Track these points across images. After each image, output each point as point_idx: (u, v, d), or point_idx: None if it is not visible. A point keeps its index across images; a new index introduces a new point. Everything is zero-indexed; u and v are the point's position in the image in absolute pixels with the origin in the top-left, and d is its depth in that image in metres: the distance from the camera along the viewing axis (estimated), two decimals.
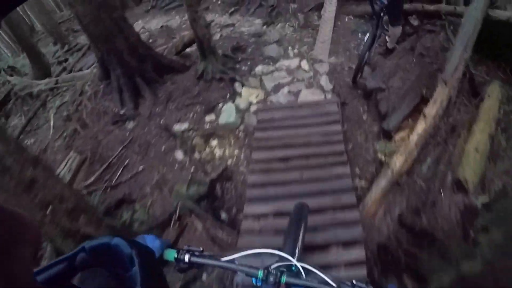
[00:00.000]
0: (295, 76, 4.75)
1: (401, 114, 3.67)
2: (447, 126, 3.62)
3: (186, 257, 0.84)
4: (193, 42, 5.47)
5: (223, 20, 7.52)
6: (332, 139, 3.37)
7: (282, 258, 0.91)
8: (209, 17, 8.17)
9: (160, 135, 4.47)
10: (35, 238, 0.31)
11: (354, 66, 4.19)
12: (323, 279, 0.81)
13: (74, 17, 5.18)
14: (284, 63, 5.04)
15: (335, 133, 3.42)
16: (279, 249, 0.92)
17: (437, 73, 3.82)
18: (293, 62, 5.00)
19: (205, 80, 4.87)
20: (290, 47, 5.36)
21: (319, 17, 6.04)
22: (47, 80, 7.28)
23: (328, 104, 3.96)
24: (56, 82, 6.88)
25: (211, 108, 4.52)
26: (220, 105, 4.60)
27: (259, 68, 5.09)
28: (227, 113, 4.30)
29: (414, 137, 3.29)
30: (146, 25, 9.69)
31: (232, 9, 7.77)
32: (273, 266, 0.85)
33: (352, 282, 0.79)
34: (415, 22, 5.06)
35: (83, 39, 10.95)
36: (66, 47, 10.70)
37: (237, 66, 5.03)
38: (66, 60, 10.04)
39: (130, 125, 4.75)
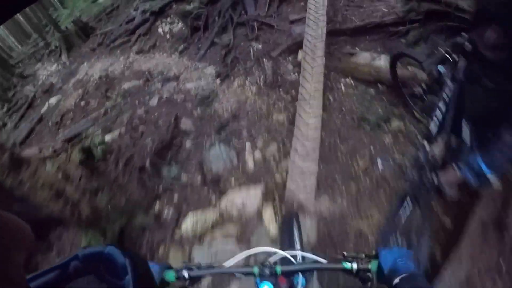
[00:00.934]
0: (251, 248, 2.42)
1: None
2: None
3: (186, 274, 0.84)
4: None
5: (168, 67, 5.44)
6: None
7: (275, 254, 0.92)
8: (154, 59, 6.12)
9: None
10: (29, 243, 0.30)
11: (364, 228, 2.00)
12: (315, 259, 0.85)
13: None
14: (234, 200, 2.67)
15: None
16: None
17: None
18: (249, 202, 2.56)
19: None
20: (247, 146, 3.19)
21: (294, 65, 3.84)
22: None
23: None
24: None
25: None
26: None
27: (186, 226, 2.69)
28: None
29: None
30: (90, 70, 7.84)
31: (182, 46, 5.68)
32: (267, 261, 0.87)
33: (343, 254, 0.81)
34: None
35: (28, 90, 9.23)
36: (5, 107, 8.91)
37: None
38: (4, 125, 8.28)
39: None
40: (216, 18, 5.21)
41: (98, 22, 10.16)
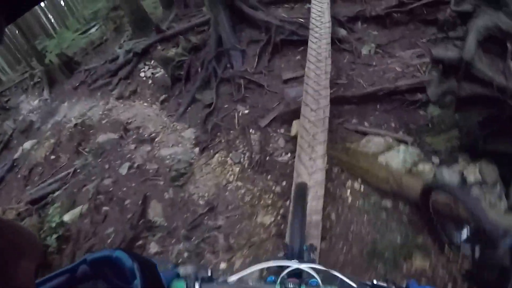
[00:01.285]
0: None
1: None
2: None
3: (196, 286, 0.77)
4: None
5: (146, 121, 4.83)
6: None
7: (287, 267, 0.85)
8: (134, 108, 5.52)
9: None
10: (38, 253, 0.31)
11: None
12: (342, 279, 0.77)
13: None
14: None
15: None
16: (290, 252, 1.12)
17: None
18: None
19: None
20: (222, 267, 2.45)
21: (287, 140, 3.17)
22: None
23: None
24: None
25: None
26: None
27: None
28: None
29: None
30: (69, 112, 7.28)
31: (163, 96, 5.09)
32: (284, 279, 0.80)
33: (373, 282, 0.76)
34: None
35: (8, 126, 8.65)
36: None
37: None
38: None
39: None
40: (199, 68, 4.62)
41: (85, 56, 9.69)
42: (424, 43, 3.71)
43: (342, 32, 4.22)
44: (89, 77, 7.95)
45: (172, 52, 5.40)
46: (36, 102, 9.07)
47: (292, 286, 0.77)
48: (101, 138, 5.49)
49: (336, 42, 3.94)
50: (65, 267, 0.45)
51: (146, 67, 6.28)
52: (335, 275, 0.79)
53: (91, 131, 5.88)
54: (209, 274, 0.82)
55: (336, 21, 4.25)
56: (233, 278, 0.83)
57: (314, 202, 2.32)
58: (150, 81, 5.89)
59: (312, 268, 0.81)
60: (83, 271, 0.46)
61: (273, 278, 0.82)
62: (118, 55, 7.19)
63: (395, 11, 4.18)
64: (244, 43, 4.31)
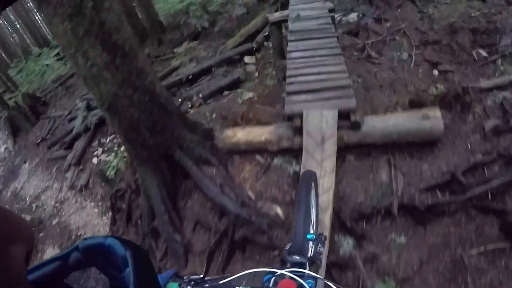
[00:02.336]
0: None
1: None
2: None
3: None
4: None
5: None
6: None
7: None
8: (84, 212, 4.67)
9: None
10: (28, 238, 0.32)
11: None
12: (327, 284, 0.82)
13: None
14: None
15: None
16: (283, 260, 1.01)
17: None
18: None
19: None
20: None
21: None
22: None
23: None
24: None
25: None
26: None
27: None
28: None
29: None
30: (26, 186, 6.58)
31: (111, 214, 4.18)
32: (272, 280, 0.86)
33: None
34: None
35: None
36: None
37: None
38: None
39: None
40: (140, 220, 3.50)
41: (54, 91, 8.64)
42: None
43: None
44: (51, 133, 7.02)
45: (112, 161, 4.32)
46: (2, 149, 8.27)
47: None
48: (49, 252, 4.71)
49: None
50: (57, 254, 0.45)
51: (100, 150, 5.26)
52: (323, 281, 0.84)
53: (40, 234, 5.07)
54: (201, 276, 0.82)
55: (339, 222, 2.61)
56: (223, 281, 0.85)
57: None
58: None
59: (294, 272, 0.86)
60: (75, 258, 0.45)
61: (269, 276, 0.85)
62: (73, 126, 6.14)
63: (444, 201, 2.57)
64: (189, 223, 3.08)
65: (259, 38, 5.69)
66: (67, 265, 0.44)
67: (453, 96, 3.02)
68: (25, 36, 15.28)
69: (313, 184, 1.52)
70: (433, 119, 2.55)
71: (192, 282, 0.80)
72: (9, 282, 0.27)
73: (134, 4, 7.20)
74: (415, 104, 3.03)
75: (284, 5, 6.19)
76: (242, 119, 3.03)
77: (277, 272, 0.86)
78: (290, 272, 0.85)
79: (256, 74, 5.21)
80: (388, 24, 4.90)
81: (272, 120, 3.00)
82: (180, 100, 5.22)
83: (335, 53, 3.56)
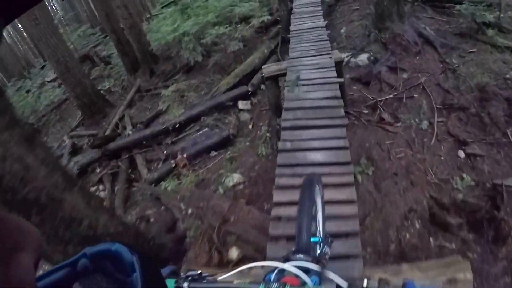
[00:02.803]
0: None
1: None
2: None
3: (185, 285, 0.78)
4: None
5: None
6: None
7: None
8: None
9: None
10: (37, 246, 0.31)
11: None
12: (332, 280, 0.79)
13: None
14: None
15: None
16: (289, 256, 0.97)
17: None
18: None
19: None
20: None
21: None
22: None
23: None
24: None
25: None
26: None
27: None
28: None
29: None
30: None
31: None
32: (272, 276, 0.85)
33: (362, 284, 0.75)
34: None
35: None
36: None
37: None
38: None
39: None
40: None
41: (45, 123, 8.25)
42: None
43: None
44: None
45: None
46: None
47: (276, 286, 0.76)
48: None
49: None
50: (65, 262, 0.45)
51: None
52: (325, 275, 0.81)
53: None
54: (198, 273, 0.82)
55: None
56: (220, 278, 0.85)
57: None
58: None
59: (299, 267, 0.84)
60: (83, 265, 0.45)
61: (271, 276, 0.83)
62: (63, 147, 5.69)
63: None
64: None
65: (255, 79, 5.05)
66: (76, 272, 0.45)
67: (487, 218, 2.33)
68: (27, 47, 15.08)
69: (317, 186, 1.45)
70: (461, 284, 1.86)
71: (190, 278, 0.79)
72: None
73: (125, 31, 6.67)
74: (437, 222, 2.35)
75: (285, 42, 5.53)
76: (219, 234, 2.42)
77: (278, 267, 0.85)
78: (294, 266, 0.84)
79: (251, 126, 4.59)
80: (404, 75, 4.19)
81: (259, 240, 2.36)
82: (164, 152, 4.68)
83: (343, 173, 2.31)
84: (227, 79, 5.21)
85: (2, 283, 0.26)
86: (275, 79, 3.81)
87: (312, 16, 5.23)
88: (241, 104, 4.93)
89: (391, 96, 3.99)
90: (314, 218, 1.28)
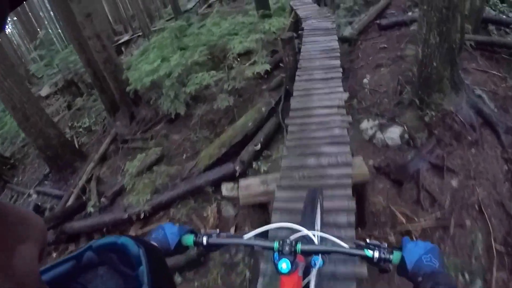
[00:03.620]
0: None
1: None
2: None
3: (204, 240, 0.83)
4: None
5: None
6: None
7: (295, 231, 0.92)
8: None
9: None
10: (41, 237, 0.32)
11: None
12: (337, 242, 0.84)
13: None
14: None
15: None
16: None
17: None
18: None
19: None
20: None
21: None
22: None
23: None
24: None
25: None
26: None
27: None
28: None
29: None
30: None
31: None
32: (287, 238, 0.85)
33: (366, 240, 0.79)
34: None
35: None
36: None
37: None
38: None
39: None
40: None
41: (23, 157, 7.46)
42: None
43: None
44: None
45: None
46: None
47: (288, 243, 0.79)
48: None
49: None
50: (70, 254, 0.45)
51: None
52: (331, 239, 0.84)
53: None
54: (217, 231, 0.85)
55: None
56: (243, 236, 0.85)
57: None
58: None
59: (314, 234, 0.88)
60: (89, 258, 0.46)
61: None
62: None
63: None
64: None
65: (246, 154, 3.87)
66: (81, 265, 0.45)
67: None
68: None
69: (319, 199, 1.49)
70: None
71: (208, 235, 0.83)
72: (22, 284, 0.27)
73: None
74: None
75: (288, 95, 4.24)
76: None
77: (299, 229, 0.89)
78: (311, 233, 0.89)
79: (233, 229, 3.47)
80: (454, 182, 2.89)
81: None
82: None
83: None
84: (209, 150, 4.06)
85: (5, 273, 0.26)
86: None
87: (326, 80, 3.71)
88: (226, 189, 3.78)
89: (432, 218, 2.73)
90: (314, 215, 1.33)
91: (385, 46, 4.87)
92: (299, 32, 5.31)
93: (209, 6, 10.64)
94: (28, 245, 0.29)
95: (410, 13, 5.43)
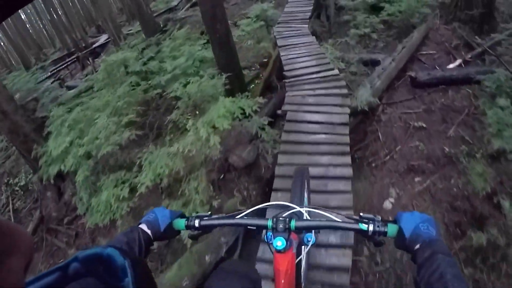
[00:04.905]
0: None
1: None
2: None
3: (196, 222, 0.84)
4: None
5: None
6: None
7: (289, 208, 0.94)
8: None
9: None
10: (28, 250, 0.32)
11: None
12: (330, 217, 0.84)
13: None
14: None
15: None
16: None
17: None
18: None
19: None
20: None
21: None
22: None
23: None
24: None
25: None
26: None
27: None
28: None
29: None
30: None
31: None
32: (281, 215, 0.85)
33: (360, 214, 0.79)
34: None
35: None
36: None
37: None
38: None
39: None
40: None
41: None
42: None
43: None
44: None
45: None
46: None
47: (282, 221, 0.79)
48: None
49: None
50: (56, 265, 0.45)
51: None
52: (324, 214, 0.85)
53: None
54: (209, 213, 0.86)
55: None
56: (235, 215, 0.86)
57: None
58: None
59: (306, 210, 0.92)
60: (75, 269, 0.46)
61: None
62: None
63: None
64: None
65: None
66: (67, 276, 0.45)
67: None
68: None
69: (305, 178, 1.52)
70: None
71: (200, 219, 0.83)
72: None
73: None
74: None
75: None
76: None
77: (293, 207, 0.90)
78: (301, 209, 0.91)
79: None
80: None
81: None
82: None
83: None
84: None
85: None
86: None
87: None
88: None
89: None
90: (302, 193, 1.38)
91: (423, 125, 2.96)
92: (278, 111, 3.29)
93: (192, 6, 8.58)
94: (16, 257, 0.29)
95: (459, 61, 3.38)
